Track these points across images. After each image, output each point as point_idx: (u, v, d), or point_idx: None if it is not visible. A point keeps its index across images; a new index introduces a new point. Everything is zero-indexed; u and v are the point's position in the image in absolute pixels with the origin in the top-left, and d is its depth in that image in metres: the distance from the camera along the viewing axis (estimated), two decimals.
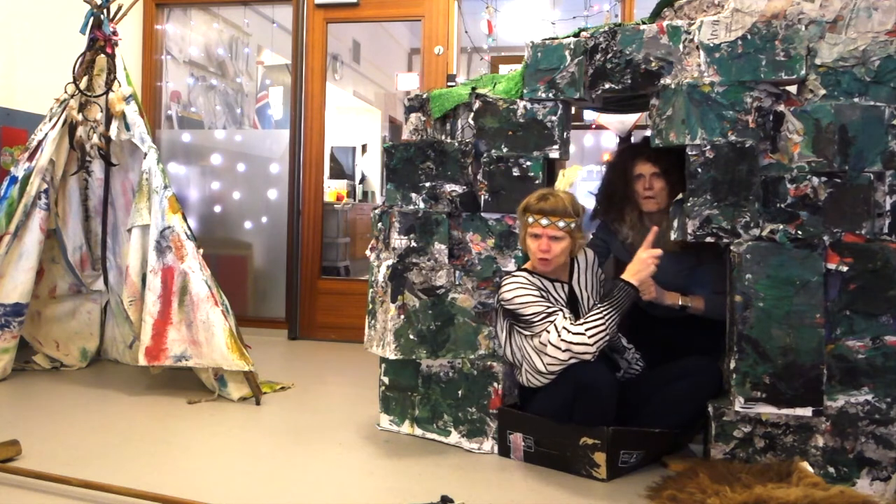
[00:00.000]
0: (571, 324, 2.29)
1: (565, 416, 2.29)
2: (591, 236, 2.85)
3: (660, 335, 2.64)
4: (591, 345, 2.24)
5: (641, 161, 2.60)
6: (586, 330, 2.25)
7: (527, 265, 2.48)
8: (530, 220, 2.37)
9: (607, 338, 2.28)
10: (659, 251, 2.34)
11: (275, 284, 4.70)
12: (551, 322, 2.31)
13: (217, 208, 4.82)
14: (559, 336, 2.26)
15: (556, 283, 2.45)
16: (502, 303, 2.42)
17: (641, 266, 2.32)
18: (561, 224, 2.34)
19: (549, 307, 2.34)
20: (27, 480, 2.09)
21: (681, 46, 2.30)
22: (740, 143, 2.20)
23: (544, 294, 2.40)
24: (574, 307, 2.45)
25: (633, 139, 3.89)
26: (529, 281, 2.40)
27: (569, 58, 2.48)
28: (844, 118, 2.14)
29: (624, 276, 2.34)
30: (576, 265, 2.52)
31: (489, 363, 2.51)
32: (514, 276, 2.44)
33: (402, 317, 2.54)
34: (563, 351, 2.26)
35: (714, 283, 2.50)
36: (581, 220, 2.40)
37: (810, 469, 2.06)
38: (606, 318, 2.27)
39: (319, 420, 2.83)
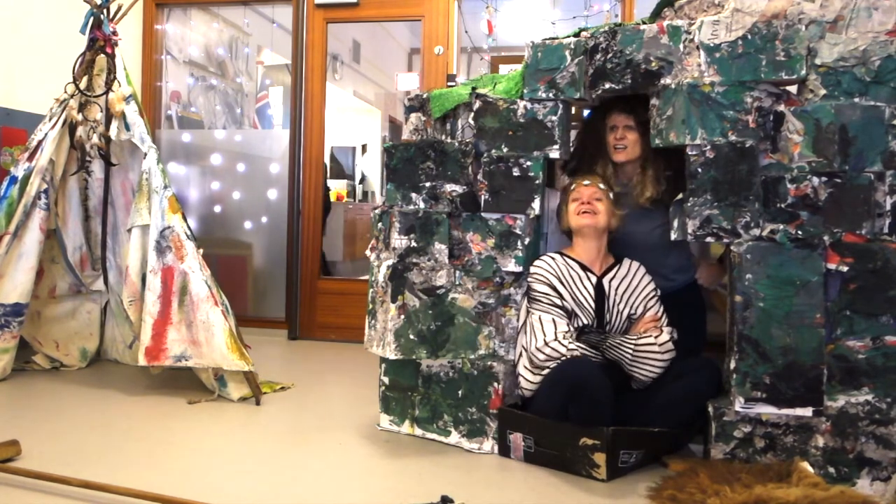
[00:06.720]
0: (564, 338, 2.38)
1: (562, 419, 2.29)
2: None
3: None
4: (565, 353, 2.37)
5: (615, 113, 2.63)
6: (568, 351, 2.36)
7: (565, 249, 2.56)
8: (572, 186, 2.54)
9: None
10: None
11: (275, 284, 4.70)
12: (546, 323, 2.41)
13: (217, 208, 4.82)
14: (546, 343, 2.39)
15: (587, 272, 2.49)
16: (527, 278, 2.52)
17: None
18: (601, 185, 2.51)
19: (551, 310, 2.44)
20: (27, 480, 2.09)
21: (681, 46, 2.30)
22: (740, 143, 2.20)
23: (566, 283, 2.45)
24: (599, 305, 2.46)
25: None
26: (555, 268, 2.47)
27: (569, 58, 2.48)
28: (845, 118, 2.14)
29: None
30: (619, 265, 2.53)
31: (489, 363, 2.51)
32: (544, 258, 2.51)
33: (402, 317, 2.53)
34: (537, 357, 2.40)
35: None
36: (615, 198, 2.54)
37: (810, 469, 2.06)
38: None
39: (319, 420, 2.83)
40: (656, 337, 2.39)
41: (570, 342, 2.36)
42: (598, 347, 2.38)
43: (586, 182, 2.51)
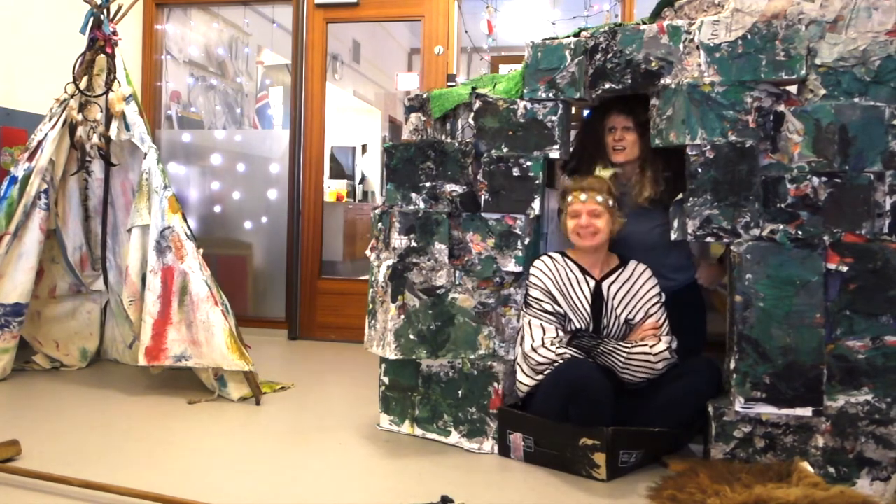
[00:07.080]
0: (553, 342, 2.38)
1: (562, 419, 2.29)
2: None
3: None
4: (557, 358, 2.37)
5: (614, 114, 2.63)
6: (560, 355, 2.35)
7: (567, 250, 2.54)
8: (569, 198, 2.47)
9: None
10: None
11: (275, 284, 4.70)
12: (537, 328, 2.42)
13: (217, 208, 4.82)
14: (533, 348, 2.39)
15: (587, 276, 2.47)
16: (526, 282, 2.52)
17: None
18: (599, 198, 2.42)
19: (546, 316, 2.43)
20: (27, 480, 2.09)
21: (681, 46, 2.30)
22: (740, 143, 2.20)
23: (562, 287, 2.44)
24: (597, 309, 2.45)
25: None
26: (552, 271, 2.46)
27: (569, 58, 2.48)
28: (844, 118, 2.14)
29: None
30: (622, 268, 2.51)
31: (489, 363, 2.51)
32: (543, 259, 2.51)
33: (402, 317, 2.53)
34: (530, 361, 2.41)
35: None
36: (616, 201, 2.49)
37: (810, 469, 2.06)
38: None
39: (319, 420, 2.83)
40: (652, 346, 2.38)
41: (558, 347, 2.35)
42: (590, 353, 2.38)
43: (583, 197, 2.42)
